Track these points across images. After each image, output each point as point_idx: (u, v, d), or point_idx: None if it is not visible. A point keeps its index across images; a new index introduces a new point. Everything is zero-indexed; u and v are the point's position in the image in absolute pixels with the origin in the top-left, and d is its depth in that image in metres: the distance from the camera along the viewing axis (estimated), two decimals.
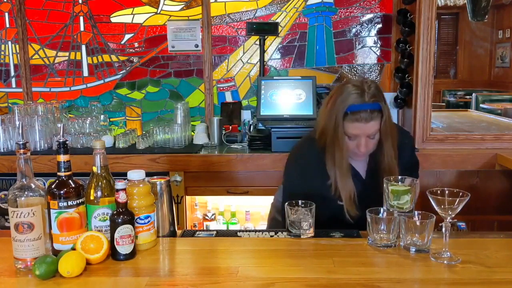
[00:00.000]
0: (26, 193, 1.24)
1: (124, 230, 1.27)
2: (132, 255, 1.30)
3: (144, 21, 3.20)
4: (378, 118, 1.58)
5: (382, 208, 1.42)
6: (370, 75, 3.17)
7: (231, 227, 2.96)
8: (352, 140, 1.62)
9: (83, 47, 3.25)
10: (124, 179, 1.31)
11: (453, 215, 1.26)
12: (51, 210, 1.27)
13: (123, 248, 1.28)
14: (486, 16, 3.27)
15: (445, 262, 1.25)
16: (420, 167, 2.53)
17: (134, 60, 3.24)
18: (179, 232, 1.54)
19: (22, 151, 1.24)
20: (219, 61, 3.21)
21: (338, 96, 1.60)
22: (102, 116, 3.18)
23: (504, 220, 2.64)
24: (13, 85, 3.33)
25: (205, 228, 2.96)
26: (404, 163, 1.73)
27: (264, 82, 2.96)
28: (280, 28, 3.09)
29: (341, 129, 1.60)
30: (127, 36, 3.22)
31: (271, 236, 1.49)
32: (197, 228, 2.96)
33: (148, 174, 1.40)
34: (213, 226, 2.99)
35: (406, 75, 2.87)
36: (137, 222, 1.33)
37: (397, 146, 1.67)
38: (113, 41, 3.24)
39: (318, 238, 1.43)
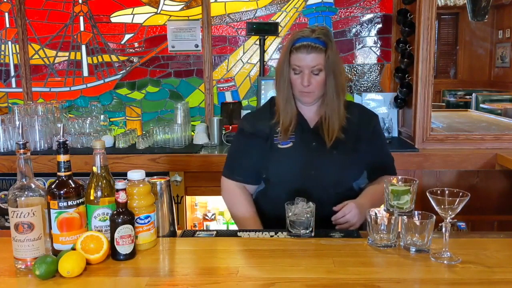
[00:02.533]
0: (26, 193, 1.24)
1: (124, 230, 1.27)
2: (132, 255, 1.30)
3: (144, 21, 3.20)
4: (321, 53, 1.64)
5: (382, 208, 1.42)
6: (370, 75, 3.17)
7: (231, 227, 2.96)
8: (297, 74, 1.67)
9: (83, 47, 3.26)
10: (124, 179, 1.31)
11: (453, 215, 1.26)
12: (51, 210, 1.27)
13: (123, 248, 1.28)
14: (486, 16, 3.27)
15: (445, 262, 1.25)
16: (420, 167, 2.55)
17: (134, 60, 3.24)
18: (179, 232, 1.54)
19: (22, 151, 1.24)
20: (219, 61, 3.21)
21: (288, 39, 1.72)
22: (102, 116, 3.18)
23: (504, 220, 2.64)
24: (13, 85, 3.33)
25: (205, 228, 2.96)
26: (365, 134, 1.76)
27: (264, 82, 2.96)
28: (280, 28, 3.09)
29: (287, 64, 1.68)
30: (127, 36, 3.22)
31: (271, 236, 1.49)
32: (197, 228, 2.96)
33: (148, 174, 1.40)
34: (213, 226, 2.99)
35: (406, 75, 2.87)
36: (137, 222, 1.33)
37: (346, 105, 1.74)
38: (113, 41, 3.24)
39: (318, 238, 1.43)
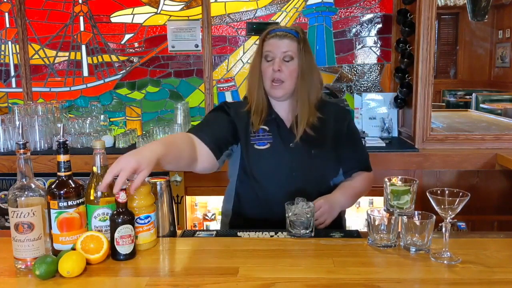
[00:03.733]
0: (26, 193, 1.24)
1: (124, 230, 1.27)
2: (132, 255, 1.30)
3: (144, 21, 3.20)
4: (294, 41, 1.65)
5: (382, 208, 1.42)
6: (370, 75, 3.17)
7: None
8: (268, 61, 1.66)
9: (83, 47, 3.26)
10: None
11: (453, 215, 1.26)
12: (51, 210, 1.27)
13: (123, 248, 1.28)
14: (486, 16, 3.27)
15: (445, 262, 1.25)
16: (420, 167, 2.55)
17: (134, 60, 3.24)
18: (179, 232, 1.54)
19: (22, 151, 1.24)
20: (219, 61, 3.21)
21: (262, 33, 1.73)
22: (102, 116, 3.18)
23: (504, 220, 2.65)
24: (13, 85, 3.33)
25: (205, 228, 2.96)
26: (338, 130, 1.74)
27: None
28: None
29: (259, 54, 1.69)
30: (127, 36, 3.22)
31: (271, 236, 1.49)
32: (197, 228, 2.96)
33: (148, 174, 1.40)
34: (213, 226, 2.99)
35: (406, 75, 2.87)
36: (137, 222, 1.33)
37: (319, 102, 1.72)
38: (113, 41, 3.24)
39: (318, 238, 1.43)
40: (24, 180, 1.25)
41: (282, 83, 1.66)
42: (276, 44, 1.65)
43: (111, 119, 3.30)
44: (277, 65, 1.64)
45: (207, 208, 3.05)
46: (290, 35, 1.65)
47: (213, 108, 1.83)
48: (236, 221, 1.78)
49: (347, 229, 1.84)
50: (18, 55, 3.27)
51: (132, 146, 2.82)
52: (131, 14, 3.20)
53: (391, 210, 1.39)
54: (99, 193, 1.31)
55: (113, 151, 2.68)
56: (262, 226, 1.56)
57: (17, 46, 3.26)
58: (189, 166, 1.56)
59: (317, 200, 1.58)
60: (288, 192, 1.59)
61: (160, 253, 1.36)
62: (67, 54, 3.27)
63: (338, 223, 1.75)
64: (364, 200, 2.85)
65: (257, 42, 3.07)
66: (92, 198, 1.32)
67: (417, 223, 1.31)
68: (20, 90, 3.31)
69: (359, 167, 1.76)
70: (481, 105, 5.34)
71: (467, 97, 6.10)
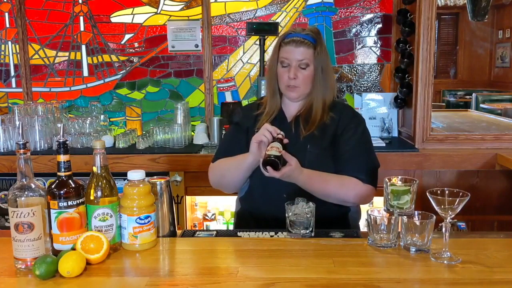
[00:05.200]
0: (26, 193, 1.24)
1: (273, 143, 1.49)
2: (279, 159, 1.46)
3: (144, 21, 3.20)
4: (310, 48, 1.67)
5: (382, 208, 1.42)
6: (370, 75, 3.17)
7: (231, 227, 2.96)
8: (284, 67, 1.69)
9: (83, 47, 3.25)
10: (124, 179, 1.32)
11: (453, 215, 1.26)
12: (51, 210, 1.27)
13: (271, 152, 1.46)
14: (486, 16, 3.27)
15: (445, 262, 1.25)
16: (420, 167, 2.55)
17: (134, 60, 3.24)
18: (179, 232, 1.54)
19: (22, 151, 1.24)
20: (219, 61, 3.21)
21: (279, 36, 1.80)
22: (102, 116, 3.18)
23: (504, 220, 2.65)
24: (13, 85, 3.33)
25: (205, 228, 2.96)
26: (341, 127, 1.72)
27: (264, 82, 2.96)
28: (280, 28, 3.09)
29: (276, 58, 1.72)
30: (127, 36, 3.22)
31: (271, 236, 1.49)
32: (197, 228, 2.96)
33: (148, 174, 1.40)
34: (213, 226, 2.99)
35: (406, 75, 2.87)
36: (137, 222, 1.33)
37: (331, 105, 1.73)
38: (113, 41, 3.24)
39: (318, 238, 1.43)
40: (24, 180, 1.25)
41: (297, 87, 1.69)
42: (292, 52, 1.67)
43: (111, 119, 3.30)
44: (292, 73, 1.66)
45: (207, 208, 3.05)
46: (307, 41, 1.66)
47: (229, 124, 1.88)
48: (240, 221, 1.81)
49: (350, 227, 1.82)
50: (18, 55, 3.27)
51: (132, 146, 2.82)
52: (131, 14, 3.20)
53: (391, 210, 1.39)
54: (99, 193, 1.32)
55: (113, 151, 2.68)
56: (262, 225, 1.56)
57: (17, 46, 3.26)
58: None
59: (295, 161, 1.54)
60: (284, 188, 1.58)
61: (160, 253, 1.37)
62: (67, 54, 3.27)
63: (345, 224, 1.75)
64: None
65: (257, 42, 3.08)
66: (92, 198, 1.32)
67: (417, 223, 1.31)
68: (20, 90, 3.31)
69: (348, 171, 1.65)
70: (481, 105, 5.34)
71: (467, 97, 6.10)
